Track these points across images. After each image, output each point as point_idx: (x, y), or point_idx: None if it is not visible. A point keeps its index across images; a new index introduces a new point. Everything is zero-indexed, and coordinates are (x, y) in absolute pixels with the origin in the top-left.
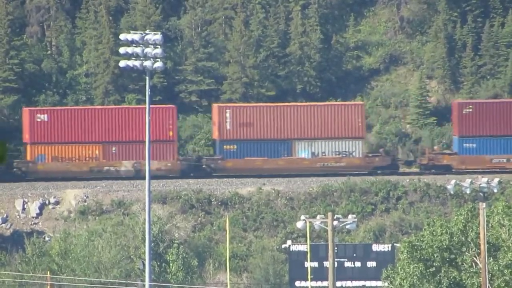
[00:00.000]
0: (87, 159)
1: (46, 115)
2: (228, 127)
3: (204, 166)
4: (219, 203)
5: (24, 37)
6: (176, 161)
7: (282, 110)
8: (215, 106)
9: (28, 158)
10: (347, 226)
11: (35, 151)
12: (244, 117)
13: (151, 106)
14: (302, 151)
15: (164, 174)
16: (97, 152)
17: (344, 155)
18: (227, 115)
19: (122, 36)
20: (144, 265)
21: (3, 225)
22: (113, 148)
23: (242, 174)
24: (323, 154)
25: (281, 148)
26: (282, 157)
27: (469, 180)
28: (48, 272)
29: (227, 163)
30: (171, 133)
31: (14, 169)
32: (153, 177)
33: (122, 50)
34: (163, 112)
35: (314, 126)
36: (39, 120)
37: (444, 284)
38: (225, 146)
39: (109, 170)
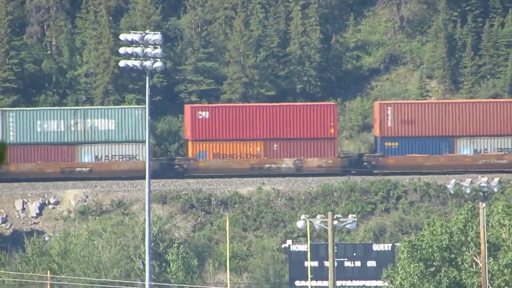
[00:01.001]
0: (248, 156)
1: (207, 112)
2: (389, 124)
3: (365, 163)
4: (219, 203)
5: (24, 37)
6: (337, 158)
7: (444, 107)
8: (376, 103)
9: (190, 155)
10: (347, 226)
11: (197, 148)
12: (405, 114)
13: (312, 104)
14: (464, 148)
15: (324, 172)
16: (258, 149)
17: (507, 151)
18: (389, 112)
19: (122, 36)
20: (144, 264)
21: (3, 225)
22: (275, 145)
23: (404, 171)
24: (485, 151)
25: (443, 145)
26: (444, 154)
27: (469, 179)
28: (48, 272)
29: (389, 160)
30: (332, 131)
31: (176, 166)
32: (314, 174)
33: (122, 50)
34: (324, 109)
35: (476, 123)
36: (200, 117)
37: (444, 283)
38: (386, 143)
39: (270, 167)
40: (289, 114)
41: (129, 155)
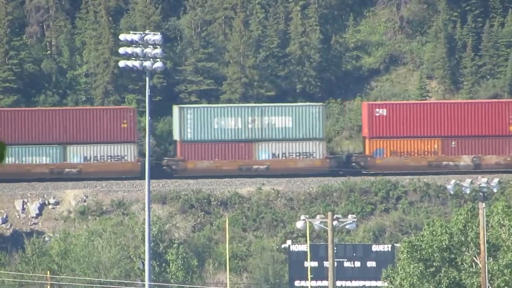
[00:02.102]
0: (426, 153)
1: (385, 110)
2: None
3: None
4: (219, 203)
5: (24, 37)
6: None
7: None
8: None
9: (367, 152)
10: (347, 226)
11: (374, 145)
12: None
13: (491, 101)
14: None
15: (503, 169)
16: (435, 146)
17: None
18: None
19: (121, 37)
20: (144, 265)
21: (3, 225)
22: (453, 143)
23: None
24: None
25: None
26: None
27: (469, 180)
28: (48, 272)
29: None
30: (511, 128)
31: (353, 164)
32: (493, 171)
33: (121, 50)
34: (503, 106)
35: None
36: (377, 114)
37: (444, 284)
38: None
39: (448, 165)
40: (467, 111)
41: (306, 152)
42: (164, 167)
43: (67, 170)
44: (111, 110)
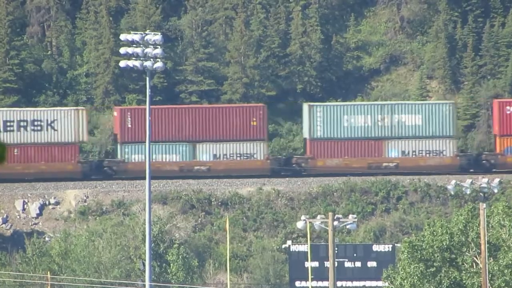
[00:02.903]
0: None
1: None
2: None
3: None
4: (219, 203)
5: (25, 37)
6: None
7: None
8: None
9: (497, 150)
10: (348, 226)
11: (504, 143)
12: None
13: None
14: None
15: None
16: None
17: None
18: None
19: (122, 37)
20: (144, 265)
21: (4, 225)
22: None
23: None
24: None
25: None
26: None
27: (470, 180)
28: (48, 272)
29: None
30: None
31: (483, 162)
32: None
33: (122, 50)
34: None
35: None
36: (508, 112)
37: (445, 284)
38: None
39: None
40: None
41: (436, 150)
42: (294, 165)
43: (196, 167)
44: (241, 108)
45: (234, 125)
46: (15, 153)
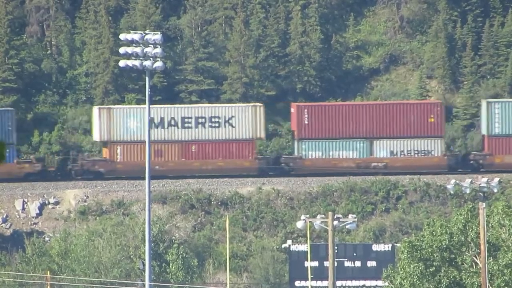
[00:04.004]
0: None
1: None
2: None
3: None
4: (219, 203)
5: (24, 37)
6: None
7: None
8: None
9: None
10: (347, 226)
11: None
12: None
13: None
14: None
15: None
16: None
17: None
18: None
19: (122, 36)
20: (144, 265)
21: (3, 225)
22: None
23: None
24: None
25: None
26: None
27: (469, 180)
28: (48, 272)
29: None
30: None
31: (471, 161)
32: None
33: (122, 50)
34: None
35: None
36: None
37: (444, 283)
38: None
39: None
40: None
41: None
42: (472, 162)
43: (373, 164)
44: (418, 104)
45: (411, 121)
46: (193, 150)
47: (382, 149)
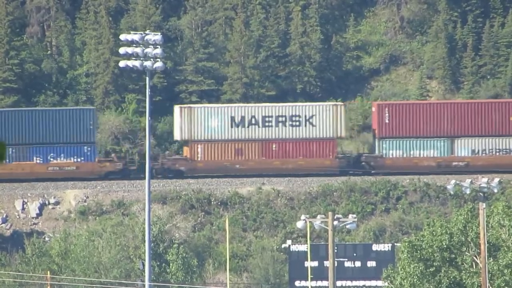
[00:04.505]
0: None
1: None
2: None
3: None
4: (219, 203)
5: (24, 37)
6: None
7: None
8: None
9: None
10: (347, 226)
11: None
12: None
13: None
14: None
15: None
16: None
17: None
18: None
19: (122, 37)
20: (144, 265)
21: (3, 225)
22: None
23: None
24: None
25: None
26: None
27: (469, 180)
28: (48, 272)
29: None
30: None
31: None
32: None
33: (122, 50)
34: None
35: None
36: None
37: (444, 283)
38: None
39: None
40: None
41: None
42: None
43: (454, 163)
44: (500, 103)
45: (493, 120)
46: (273, 149)
47: (464, 148)
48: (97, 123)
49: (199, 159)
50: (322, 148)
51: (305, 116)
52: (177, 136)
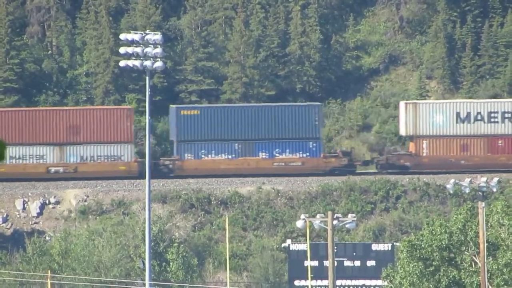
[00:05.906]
0: None
1: None
2: None
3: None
4: (219, 203)
5: (25, 37)
6: None
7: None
8: None
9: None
10: (347, 225)
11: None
12: None
13: None
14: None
15: None
16: None
17: None
18: None
19: (122, 36)
20: (144, 264)
21: (4, 224)
22: None
23: None
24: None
25: None
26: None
27: (468, 179)
28: (49, 272)
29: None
30: None
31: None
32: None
33: (122, 50)
34: None
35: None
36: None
37: (444, 283)
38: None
39: None
40: None
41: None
42: None
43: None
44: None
45: None
46: (499, 144)
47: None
48: (322, 119)
49: (424, 154)
50: None
51: None
52: (402, 131)
